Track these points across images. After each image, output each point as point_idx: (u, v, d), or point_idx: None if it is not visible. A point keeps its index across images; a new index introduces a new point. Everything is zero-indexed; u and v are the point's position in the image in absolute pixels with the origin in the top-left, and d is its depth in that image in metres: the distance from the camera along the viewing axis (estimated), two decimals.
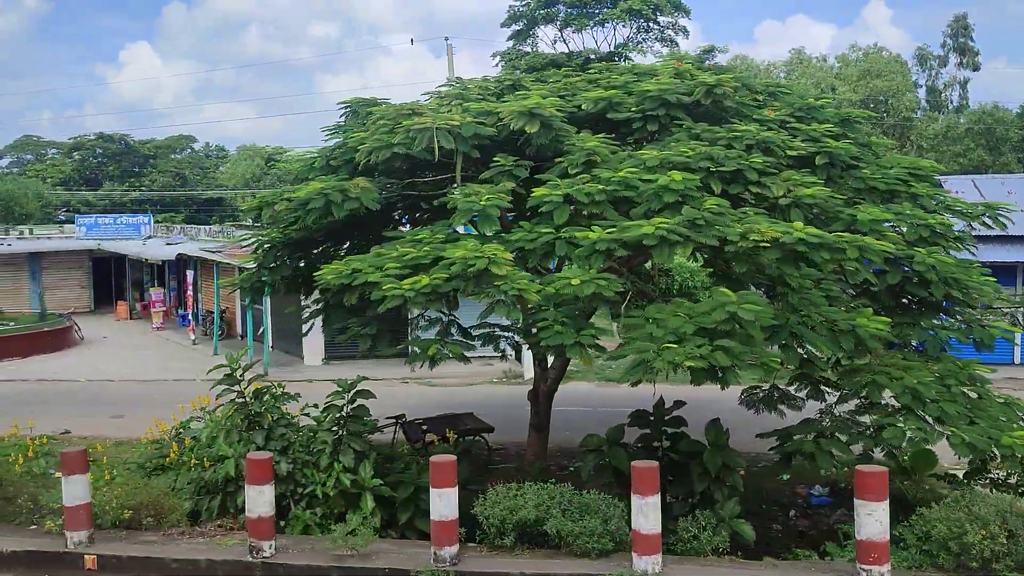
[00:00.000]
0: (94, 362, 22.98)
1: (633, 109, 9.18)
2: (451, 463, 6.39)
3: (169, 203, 76.16)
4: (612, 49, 60.44)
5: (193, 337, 25.55)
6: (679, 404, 9.72)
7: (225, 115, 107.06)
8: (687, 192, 7.65)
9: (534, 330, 7.73)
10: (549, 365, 11.40)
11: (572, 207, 8.08)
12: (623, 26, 59.88)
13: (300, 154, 11.68)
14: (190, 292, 25.47)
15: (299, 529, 8.71)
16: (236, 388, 9.36)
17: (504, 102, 9.46)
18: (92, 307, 32.87)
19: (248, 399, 9.37)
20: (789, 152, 8.86)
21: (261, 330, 20.94)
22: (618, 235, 7.42)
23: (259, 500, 6.54)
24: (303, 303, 11.46)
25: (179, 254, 25.36)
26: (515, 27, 61.71)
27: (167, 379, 20.95)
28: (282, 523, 8.87)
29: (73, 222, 52.74)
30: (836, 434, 8.73)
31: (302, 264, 10.99)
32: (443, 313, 9.34)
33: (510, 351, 23.15)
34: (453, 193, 8.51)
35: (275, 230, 11.24)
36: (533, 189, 8.32)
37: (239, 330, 26.47)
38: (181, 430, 10.60)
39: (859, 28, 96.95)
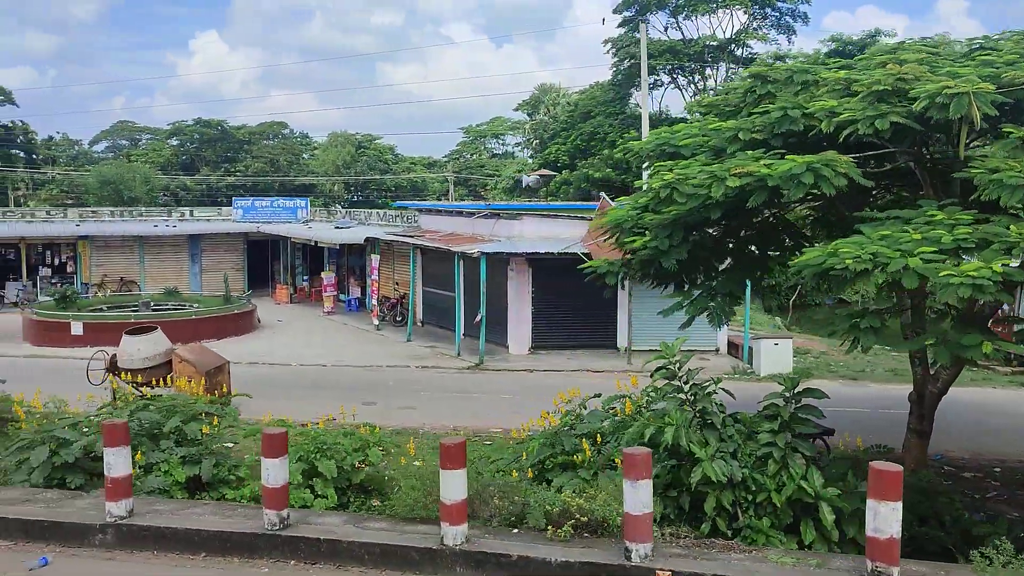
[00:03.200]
0: (289, 346, 22.56)
1: None
2: None
3: (261, 188, 77.02)
4: (728, 36, 58.76)
5: (376, 323, 25.03)
6: None
7: (291, 104, 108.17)
8: None
9: None
10: (940, 366, 10.29)
11: None
12: (742, 12, 58.17)
13: (706, 127, 10.93)
14: (375, 277, 24.91)
15: (761, 541, 7.85)
16: (676, 382, 8.53)
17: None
18: (246, 289, 32.73)
19: (690, 395, 8.51)
20: None
21: (478, 318, 20.18)
22: None
23: (891, 519, 5.62)
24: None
25: (368, 237, 24.81)
26: (626, 14, 60.46)
27: (380, 365, 20.41)
28: (728, 532, 8.02)
29: (176, 204, 53.22)
30: None
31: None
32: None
33: (722, 346, 22.16)
34: (973, 167, 7.46)
35: (634, 210, 10.37)
36: None
37: (420, 316, 25.87)
38: (571, 426, 9.77)
39: (931, 20, 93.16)
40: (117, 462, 7.19)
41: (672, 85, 62.26)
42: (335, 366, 20.33)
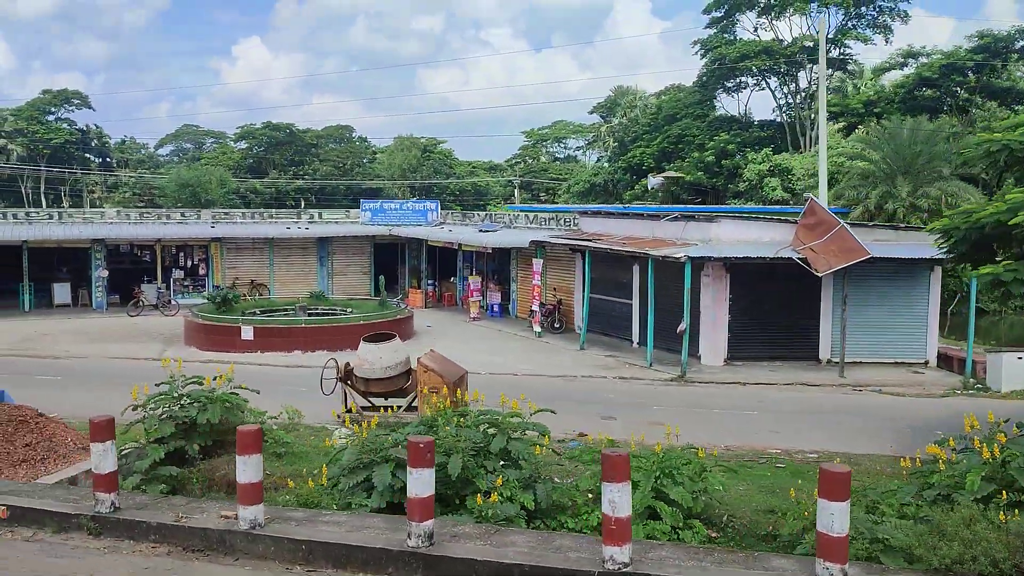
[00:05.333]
0: (462, 353, 21.40)
1: None
2: None
3: (329, 192, 76.96)
4: (828, 36, 57.13)
5: (538, 330, 23.96)
6: None
7: (339, 108, 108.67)
8: None
9: None
10: None
11: None
12: (838, 10, 56.58)
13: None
14: (537, 282, 23.84)
15: None
16: None
17: None
18: (372, 293, 31.90)
19: None
20: None
21: (681, 327, 18.94)
22: None
23: None
24: None
25: (532, 240, 23.73)
26: (715, 14, 59.07)
27: (574, 375, 19.38)
28: None
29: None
30: None
31: None
32: None
33: (932, 358, 20.64)
34: None
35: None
36: None
37: (578, 323, 24.77)
38: (1007, 459, 8.54)
39: (980, 21, 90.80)
40: (621, 500, 6.10)
41: (758, 87, 60.81)
42: (527, 375, 19.30)
